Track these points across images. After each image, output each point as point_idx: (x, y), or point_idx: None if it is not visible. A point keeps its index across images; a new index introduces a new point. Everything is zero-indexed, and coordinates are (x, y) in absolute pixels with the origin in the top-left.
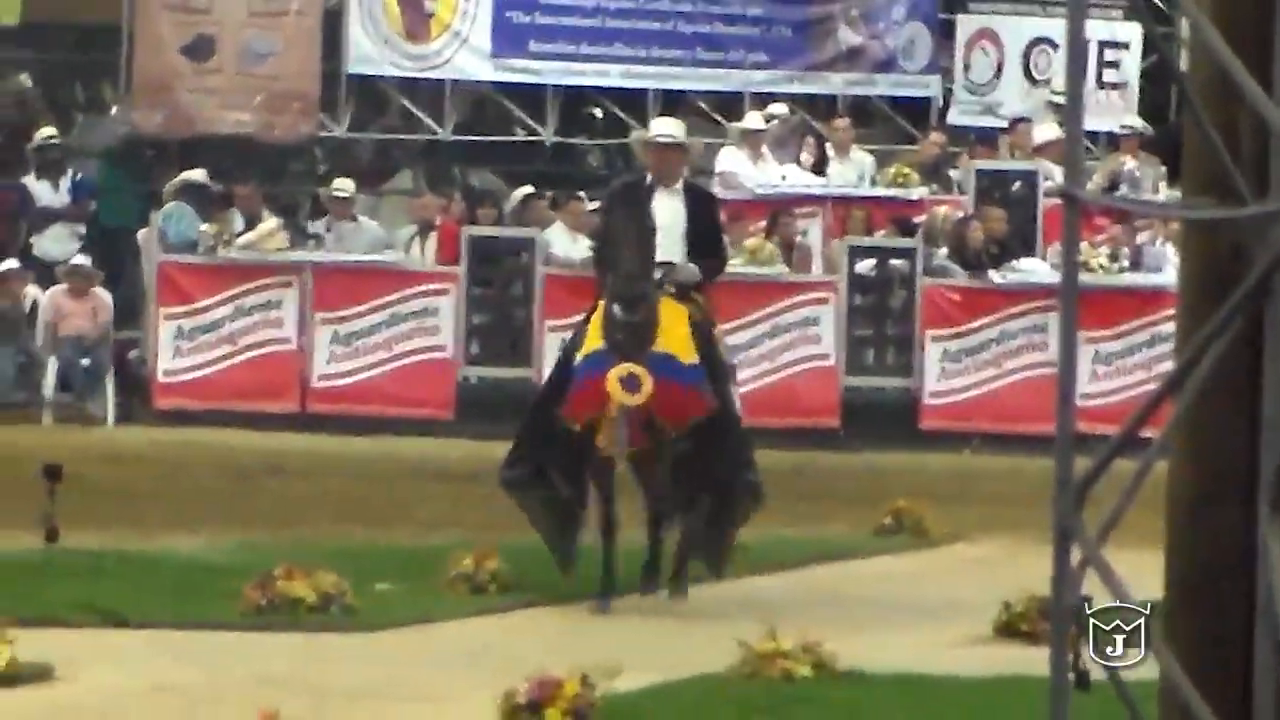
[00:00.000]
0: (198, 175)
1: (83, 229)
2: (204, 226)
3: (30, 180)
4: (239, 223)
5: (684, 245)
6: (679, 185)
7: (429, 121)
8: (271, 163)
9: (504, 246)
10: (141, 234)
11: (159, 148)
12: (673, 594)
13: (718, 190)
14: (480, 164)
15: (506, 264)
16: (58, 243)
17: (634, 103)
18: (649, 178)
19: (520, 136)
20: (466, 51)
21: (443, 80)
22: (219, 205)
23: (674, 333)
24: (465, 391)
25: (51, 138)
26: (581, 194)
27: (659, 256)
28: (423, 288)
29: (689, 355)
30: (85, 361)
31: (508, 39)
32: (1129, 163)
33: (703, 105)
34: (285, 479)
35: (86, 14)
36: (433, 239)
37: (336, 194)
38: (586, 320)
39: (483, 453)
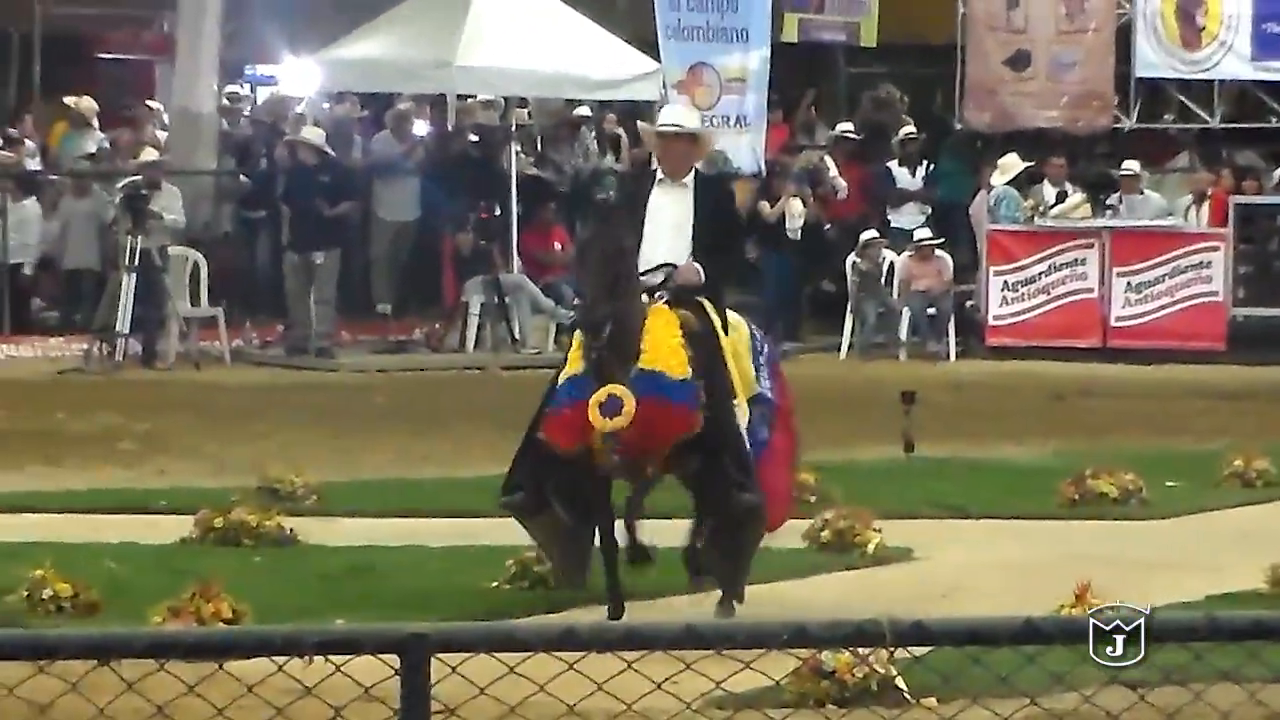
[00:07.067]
0: (1012, 161)
1: (928, 207)
2: (1024, 203)
3: (893, 166)
4: (1050, 196)
5: (690, 244)
6: (689, 178)
7: (1201, 113)
8: (1075, 150)
9: (1265, 211)
10: (973, 208)
11: (985, 139)
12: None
13: None
14: (1243, 146)
15: (1267, 225)
16: (908, 216)
17: None
18: (657, 171)
19: (1275, 124)
20: (1231, 56)
21: (1212, 80)
22: (1033, 181)
23: (663, 344)
24: (1235, 328)
25: (911, 134)
26: None
27: (664, 257)
28: (1199, 246)
29: (678, 369)
30: (931, 310)
31: (1265, 45)
32: None
33: None
34: (1092, 400)
35: (930, 36)
36: (1206, 207)
37: (1127, 173)
38: None
39: (1250, 377)
